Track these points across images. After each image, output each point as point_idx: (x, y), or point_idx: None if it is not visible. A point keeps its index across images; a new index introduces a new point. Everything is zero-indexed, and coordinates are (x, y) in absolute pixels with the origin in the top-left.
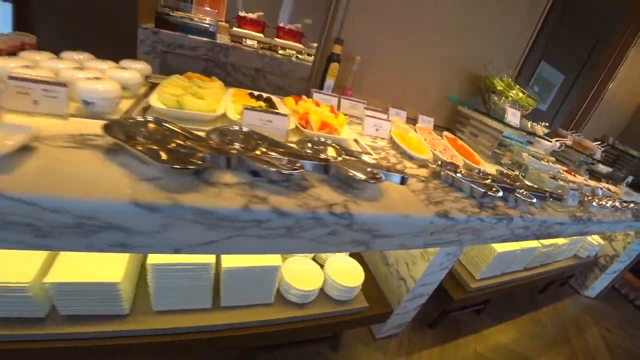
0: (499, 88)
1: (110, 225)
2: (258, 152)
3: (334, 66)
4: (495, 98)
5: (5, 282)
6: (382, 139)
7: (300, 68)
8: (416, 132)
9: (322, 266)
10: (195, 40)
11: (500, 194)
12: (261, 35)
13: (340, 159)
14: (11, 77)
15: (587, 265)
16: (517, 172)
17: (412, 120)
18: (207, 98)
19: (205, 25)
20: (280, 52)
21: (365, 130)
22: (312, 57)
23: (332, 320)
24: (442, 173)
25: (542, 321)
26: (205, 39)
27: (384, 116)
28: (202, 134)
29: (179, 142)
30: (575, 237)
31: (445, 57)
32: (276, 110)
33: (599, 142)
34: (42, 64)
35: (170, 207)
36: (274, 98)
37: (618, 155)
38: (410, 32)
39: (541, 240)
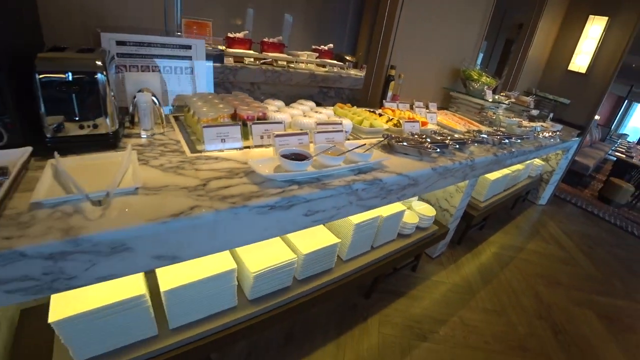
0: (475, 77)
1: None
2: (436, 139)
3: (393, 84)
4: (473, 83)
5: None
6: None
7: (297, 75)
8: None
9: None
10: None
11: (507, 141)
12: (252, 51)
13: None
14: (319, 126)
15: (536, 182)
16: (495, 128)
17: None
18: (376, 117)
19: (213, 51)
20: (274, 64)
21: (429, 122)
22: (302, 64)
23: (422, 242)
24: (477, 137)
25: (520, 225)
26: (217, 64)
27: (434, 111)
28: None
29: (413, 142)
30: (528, 162)
31: (440, 60)
32: (415, 118)
33: (532, 95)
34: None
35: (441, 168)
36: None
37: (539, 100)
38: (422, 48)
39: (510, 168)
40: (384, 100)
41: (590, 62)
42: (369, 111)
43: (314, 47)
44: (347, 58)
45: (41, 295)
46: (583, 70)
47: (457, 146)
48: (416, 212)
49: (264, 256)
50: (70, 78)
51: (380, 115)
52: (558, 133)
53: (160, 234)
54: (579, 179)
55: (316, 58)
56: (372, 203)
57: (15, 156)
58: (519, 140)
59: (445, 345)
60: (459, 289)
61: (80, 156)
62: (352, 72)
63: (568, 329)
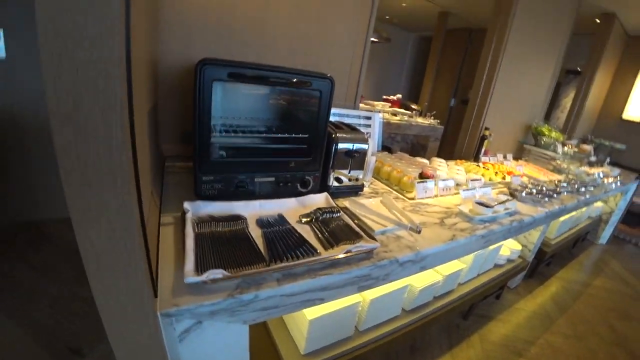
0: (546, 132)
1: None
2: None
3: (487, 142)
4: (545, 138)
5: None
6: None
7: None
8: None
9: None
10: None
11: (583, 189)
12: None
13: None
14: (472, 182)
15: (596, 222)
16: (565, 176)
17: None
18: (485, 172)
19: None
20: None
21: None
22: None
23: (510, 273)
24: (560, 186)
25: (582, 263)
26: None
27: (522, 164)
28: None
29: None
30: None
31: (515, 117)
32: (514, 173)
33: (590, 142)
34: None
35: (550, 212)
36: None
37: (595, 146)
38: (503, 109)
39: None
40: (481, 156)
41: None
42: (476, 165)
43: (384, 97)
44: (413, 107)
45: (360, 291)
46: (637, 119)
47: (555, 195)
48: (507, 246)
49: (418, 277)
50: (354, 148)
51: (486, 169)
52: (618, 178)
53: (439, 253)
54: (638, 219)
55: (389, 107)
56: (509, 235)
57: (322, 199)
58: (591, 188)
59: None
60: (539, 316)
61: (352, 198)
62: (420, 119)
63: None
